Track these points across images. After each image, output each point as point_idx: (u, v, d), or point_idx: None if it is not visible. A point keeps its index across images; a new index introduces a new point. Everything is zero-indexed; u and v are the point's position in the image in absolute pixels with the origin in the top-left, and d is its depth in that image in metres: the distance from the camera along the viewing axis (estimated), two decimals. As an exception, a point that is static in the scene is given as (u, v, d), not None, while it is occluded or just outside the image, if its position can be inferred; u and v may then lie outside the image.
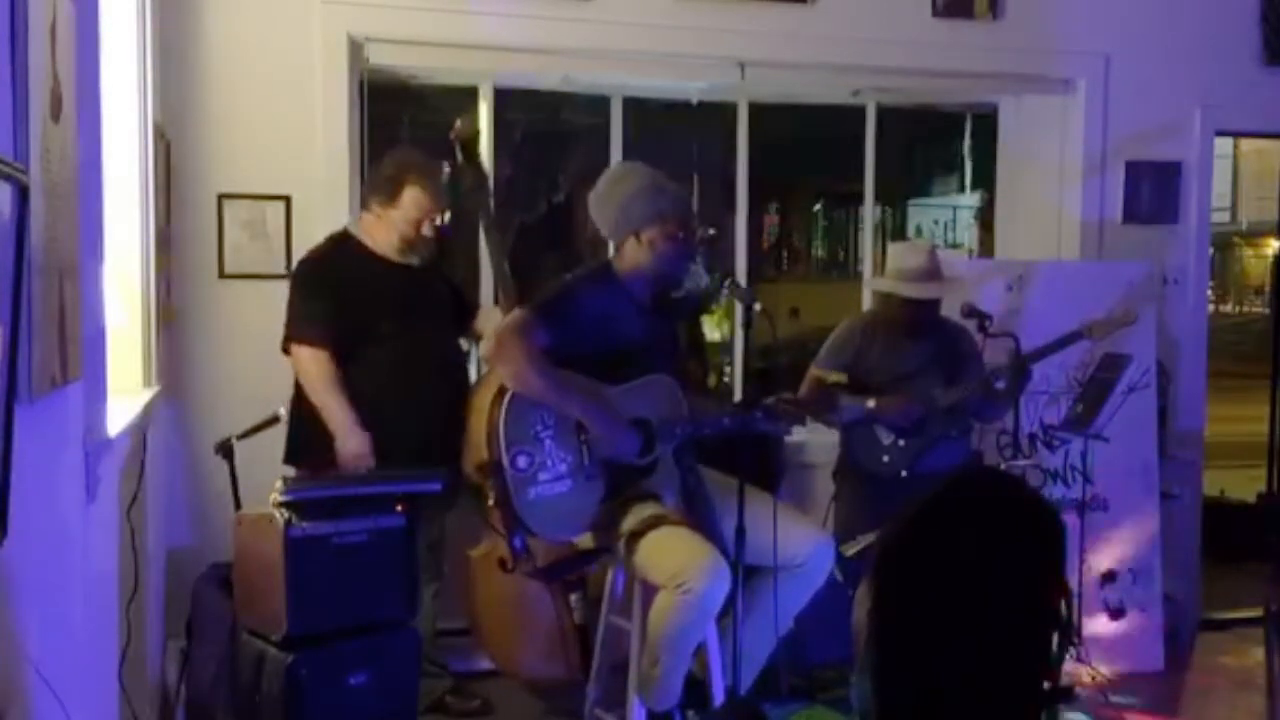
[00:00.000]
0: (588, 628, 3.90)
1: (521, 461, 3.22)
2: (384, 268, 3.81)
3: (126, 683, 2.92)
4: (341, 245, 3.84)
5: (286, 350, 3.76)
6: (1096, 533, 4.62)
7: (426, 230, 3.81)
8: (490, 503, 3.26)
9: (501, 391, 3.26)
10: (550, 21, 4.47)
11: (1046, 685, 1.41)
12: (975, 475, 1.54)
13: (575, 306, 3.36)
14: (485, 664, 4.21)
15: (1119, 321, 4.37)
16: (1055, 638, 1.40)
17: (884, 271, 4.41)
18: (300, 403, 3.76)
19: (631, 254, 3.44)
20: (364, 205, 3.88)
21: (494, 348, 3.27)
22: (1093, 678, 4.46)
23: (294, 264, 3.93)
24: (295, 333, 3.73)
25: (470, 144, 4.02)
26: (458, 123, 4.03)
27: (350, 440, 3.65)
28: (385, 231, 3.79)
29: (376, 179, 3.83)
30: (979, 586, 1.36)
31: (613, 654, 3.64)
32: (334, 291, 3.73)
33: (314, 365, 3.70)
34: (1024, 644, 1.38)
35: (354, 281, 3.76)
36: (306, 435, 3.75)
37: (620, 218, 3.42)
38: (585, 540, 3.42)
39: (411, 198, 3.77)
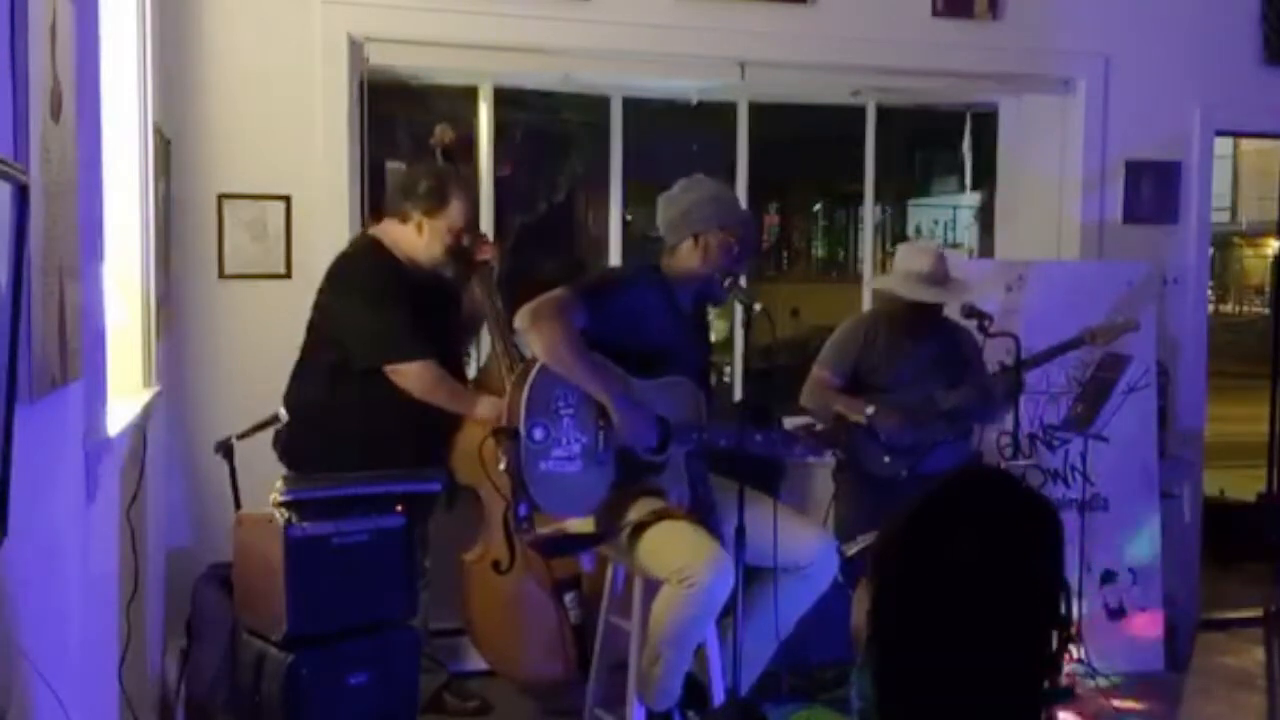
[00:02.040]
0: (583, 627, 3.91)
1: (538, 433, 3.24)
2: (422, 277, 3.80)
3: (126, 683, 2.92)
4: (384, 254, 3.79)
5: (374, 370, 3.66)
6: (1096, 533, 4.62)
7: (465, 240, 3.82)
8: (501, 467, 3.27)
9: (531, 363, 3.29)
10: (550, 21, 4.47)
11: (1046, 684, 1.41)
12: (972, 474, 1.54)
13: (618, 296, 3.39)
14: (482, 664, 4.21)
15: (1120, 328, 4.37)
16: (1055, 636, 1.40)
17: (890, 271, 4.40)
18: (300, 407, 3.75)
19: (685, 256, 3.46)
20: (399, 215, 3.79)
21: (530, 319, 3.26)
22: (1093, 678, 4.46)
23: (340, 276, 3.77)
24: (395, 353, 3.66)
25: (452, 151, 4.02)
26: (438, 129, 4.03)
27: (482, 408, 3.67)
28: (426, 241, 3.76)
29: (417, 190, 3.76)
30: (977, 585, 1.36)
31: (612, 653, 3.64)
32: (403, 301, 3.70)
33: (425, 376, 3.68)
34: (1023, 642, 1.38)
35: (409, 290, 3.74)
36: (306, 441, 3.74)
37: (684, 218, 3.45)
38: (586, 524, 3.43)
39: (457, 208, 3.77)
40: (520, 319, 3.30)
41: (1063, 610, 1.40)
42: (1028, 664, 1.38)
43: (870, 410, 4.07)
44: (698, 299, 3.56)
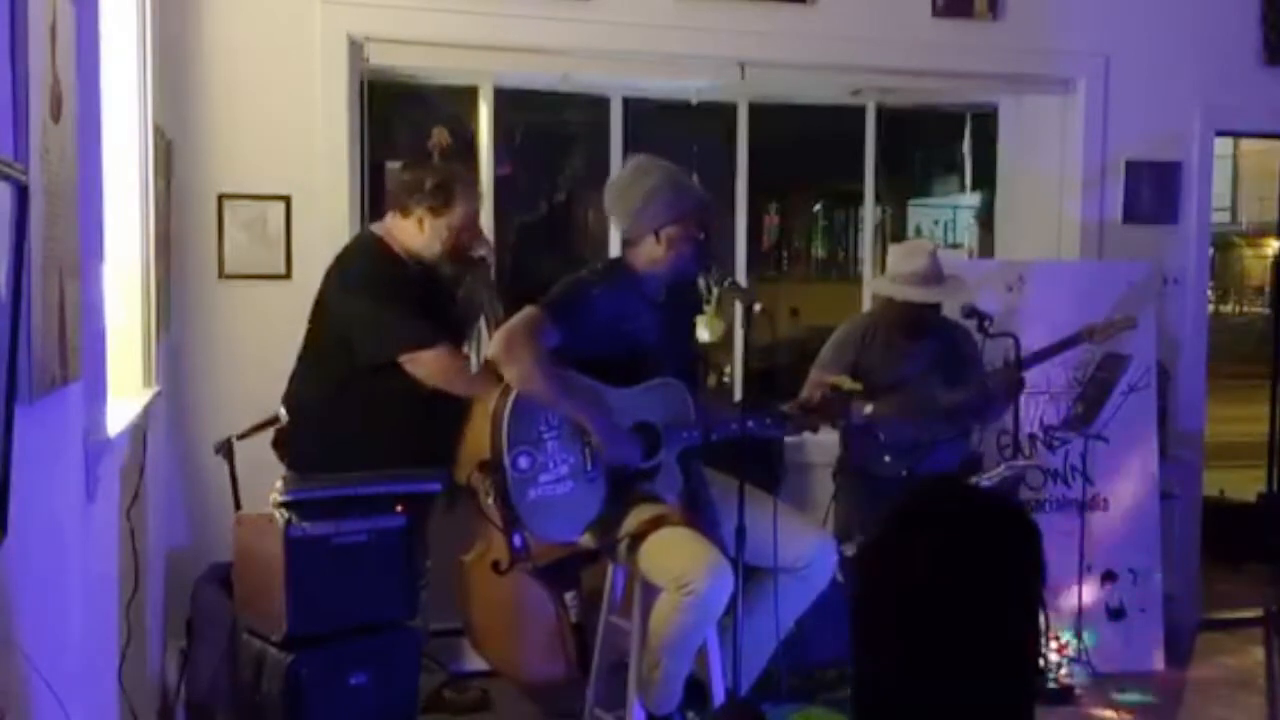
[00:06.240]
0: (584, 626, 3.90)
1: (523, 462, 3.21)
2: (421, 272, 3.80)
3: (126, 683, 2.92)
4: (385, 249, 3.78)
5: (383, 365, 3.63)
6: (1096, 533, 4.62)
7: (465, 240, 3.81)
8: (490, 500, 3.25)
9: (506, 389, 3.25)
10: (550, 21, 4.47)
11: (1025, 697, 1.39)
12: (934, 489, 1.50)
13: (588, 306, 3.31)
14: (482, 664, 4.21)
15: (1118, 326, 4.37)
16: (1030, 648, 1.39)
17: (885, 272, 4.40)
18: (301, 407, 3.74)
19: (649, 251, 3.39)
20: (401, 210, 3.78)
21: (502, 347, 3.23)
22: (1093, 678, 4.46)
23: (342, 273, 3.75)
24: (410, 341, 3.63)
25: (449, 154, 4.02)
26: (435, 133, 4.03)
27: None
28: (427, 238, 3.75)
29: (423, 187, 3.74)
30: (938, 599, 1.33)
31: (612, 653, 3.64)
32: (410, 293, 3.69)
33: (444, 361, 3.65)
34: (990, 656, 1.35)
35: (412, 284, 3.74)
36: (307, 442, 3.73)
37: (640, 215, 3.37)
38: (585, 541, 3.42)
39: (461, 210, 3.76)
40: (492, 347, 3.27)
41: (1038, 622, 1.39)
42: (995, 675, 1.36)
43: (868, 409, 4.06)
44: (670, 284, 3.48)
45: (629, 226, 3.46)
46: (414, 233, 3.75)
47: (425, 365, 3.63)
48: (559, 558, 3.56)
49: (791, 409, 3.50)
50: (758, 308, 3.25)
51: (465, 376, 3.71)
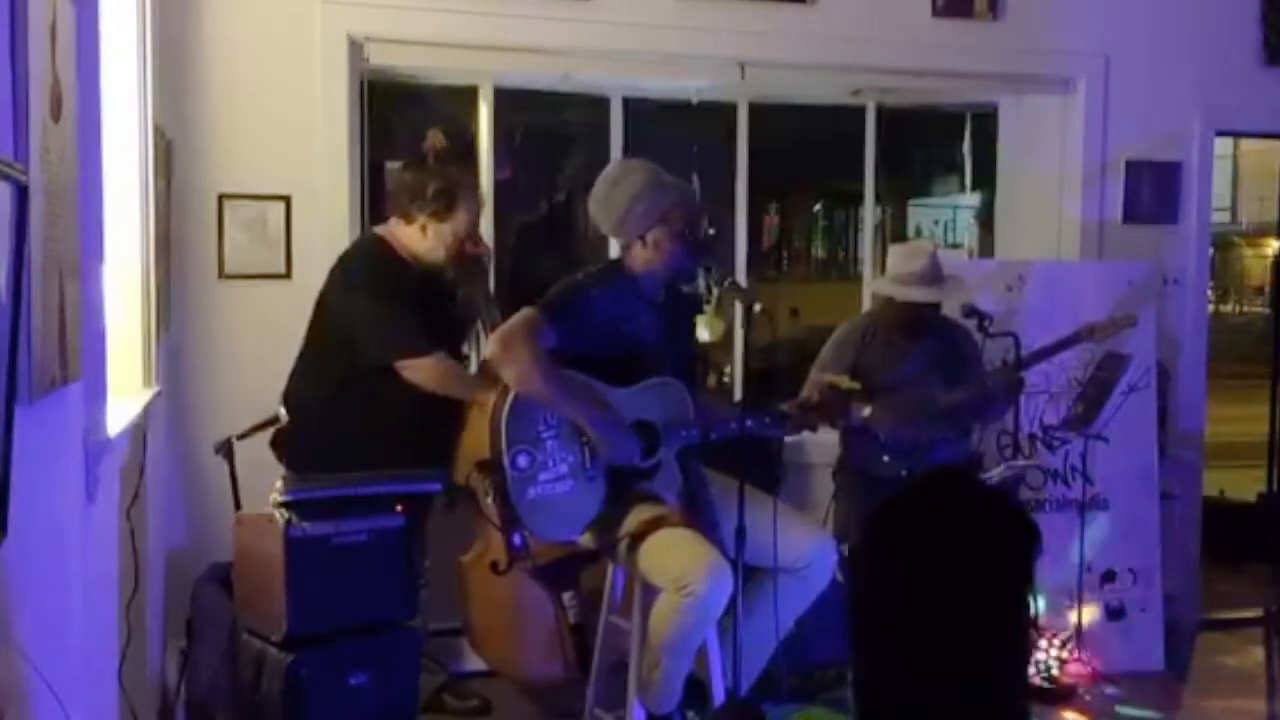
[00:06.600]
0: (583, 626, 3.90)
1: (522, 461, 3.21)
2: (427, 277, 3.80)
3: (126, 683, 2.92)
4: (389, 252, 3.79)
5: (382, 367, 3.65)
6: (1096, 533, 4.62)
7: (468, 245, 3.82)
8: (489, 499, 3.25)
9: (505, 389, 3.26)
10: (550, 21, 4.47)
11: (1022, 696, 1.39)
12: (935, 483, 1.50)
13: (586, 307, 3.33)
14: (482, 664, 4.21)
15: (1118, 324, 4.37)
16: (1020, 645, 1.39)
17: (885, 273, 4.40)
18: (302, 406, 3.74)
19: (641, 255, 3.41)
20: (404, 216, 3.79)
21: (499, 348, 3.23)
22: (1093, 678, 4.46)
23: (347, 274, 3.76)
24: (408, 348, 3.65)
25: (444, 156, 4.02)
26: (430, 134, 4.04)
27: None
28: (430, 244, 3.77)
29: (425, 193, 3.75)
30: (937, 597, 1.33)
31: (612, 653, 3.64)
32: (411, 298, 3.70)
33: (439, 369, 3.68)
34: (987, 655, 1.34)
35: (415, 287, 3.75)
36: (307, 441, 3.73)
37: (624, 222, 3.39)
38: (585, 540, 3.42)
39: (464, 215, 3.78)
40: (490, 348, 3.28)
41: (1030, 614, 1.38)
42: (986, 672, 1.35)
43: (866, 412, 4.06)
44: (669, 282, 3.50)
45: (614, 235, 3.50)
46: (418, 238, 3.77)
47: (421, 372, 3.66)
48: (558, 557, 3.55)
49: (791, 408, 3.50)
50: (758, 308, 3.25)
51: (458, 381, 3.73)
